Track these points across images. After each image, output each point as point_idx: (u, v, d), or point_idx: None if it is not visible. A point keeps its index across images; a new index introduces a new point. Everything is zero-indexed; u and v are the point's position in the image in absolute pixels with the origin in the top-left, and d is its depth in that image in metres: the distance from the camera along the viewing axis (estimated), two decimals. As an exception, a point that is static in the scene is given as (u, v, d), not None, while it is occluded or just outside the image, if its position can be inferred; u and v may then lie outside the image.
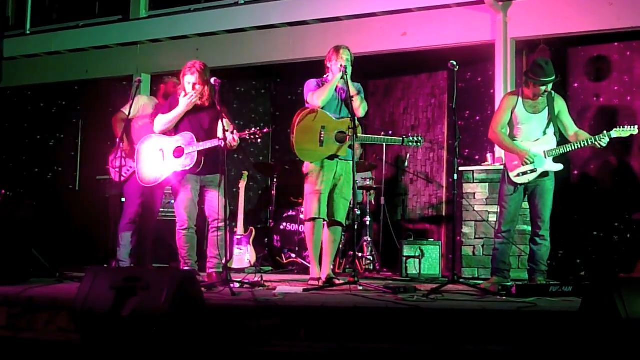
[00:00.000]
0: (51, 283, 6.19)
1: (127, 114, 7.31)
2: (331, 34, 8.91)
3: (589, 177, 8.30)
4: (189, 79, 6.50)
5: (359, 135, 6.40)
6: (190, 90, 6.47)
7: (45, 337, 4.80)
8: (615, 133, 6.28)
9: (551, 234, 6.48)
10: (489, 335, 4.53)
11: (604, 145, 6.26)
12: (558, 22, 7.96)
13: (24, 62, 10.97)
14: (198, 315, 4.42)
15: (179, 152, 6.46)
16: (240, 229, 8.67)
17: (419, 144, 6.61)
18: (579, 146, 6.34)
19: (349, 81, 6.41)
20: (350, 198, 6.62)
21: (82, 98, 11.21)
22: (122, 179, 7.28)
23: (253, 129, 6.36)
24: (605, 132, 6.29)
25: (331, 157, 6.48)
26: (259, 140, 6.42)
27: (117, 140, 6.99)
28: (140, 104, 7.53)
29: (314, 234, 6.53)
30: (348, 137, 6.36)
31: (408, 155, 9.75)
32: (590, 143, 6.29)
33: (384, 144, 8.77)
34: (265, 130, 6.39)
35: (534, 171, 6.36)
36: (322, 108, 6.47)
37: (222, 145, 6.09)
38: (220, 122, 6.17)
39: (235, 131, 6.31)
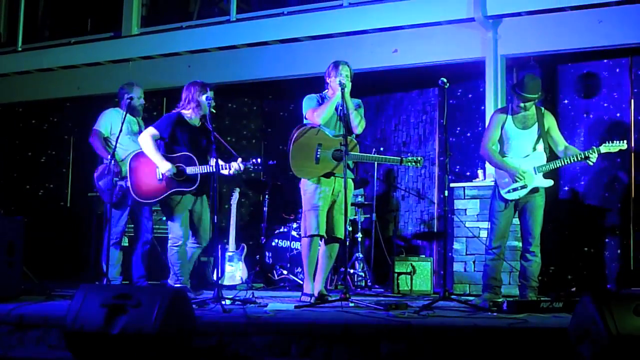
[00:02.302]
0: (42, 300, 6.17)
1: (104, 132, 7.31)
2: (323, 51, 8.94)
3: (579, 193, 8.33)
4: (209, 95, 6.64)
5: (356, 153, 6.43)
6: (209, 109, 6.52)
7: (36, 355, 4.79)
8: (604, 148, 6.32)
9: (542, 250, 6.50)
10: (480, 351, 4.53)
11: (593, 160, 6.30)
12: (548, 40, 8.02)
13: (16, 78, 10.97)
14: (189, 332, 4.41)
15: (179, 174, 6.54)
16: (231, 245, 8.67)
17: (418, 164, 6.59)
18: (568, 162, 6.37)
19: (348, 97, 6.43)
20: (347, 213, 6.60)
21: (73, 115, 11.20)
22: (115, 199, 7.30)
23: (257, 159, 6.46)
24: (594, 147, 6.32)
25: (327, 175, 6.48)
26: (260, 168, 6.56)
27: (109, 157, 6.97)
28: (108, 121, 7.45)
29: (310, 250, 6.51)
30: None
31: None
32: (579, 158, 6.32)
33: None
34: (270, 163, 6.52)
35: (525, 187, 6.38)
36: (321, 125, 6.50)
37: (228, 172, 6.47)
38: (218, 146, 6.31)
39: (240, 161, 6.46)
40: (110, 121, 7.44)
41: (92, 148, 7.53)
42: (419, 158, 6.59)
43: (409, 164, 6.58)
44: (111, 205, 7.06)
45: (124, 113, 7.11)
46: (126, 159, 7.26)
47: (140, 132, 7.34)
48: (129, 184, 6.78)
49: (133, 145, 7.30)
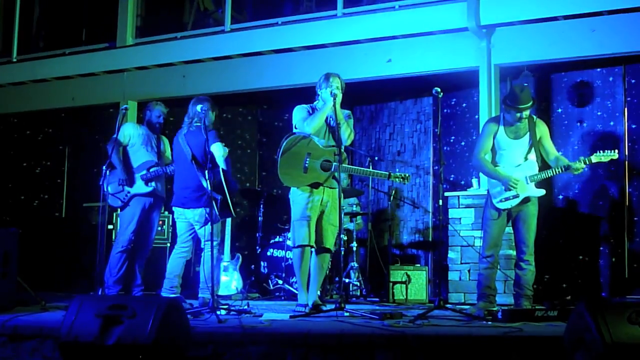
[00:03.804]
0: (37, 311, 6.16)
1: (119, 138, 7.40)
2: (317, 61, 8.96)
3: (574, 202, 8.35)
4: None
5: (344, 165, 6.42)
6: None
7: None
8: (595, 158, 6.33)
9: (537, 258, 6.50)
10: (474, 360, 4.54)
11: (579, 170, 6.31)
12: (541, 49, 8.04)
13: (10, 89, 10.97)
14: (184, 343, 4.41)
15: None
16: (226, 255, 8.66)
17: (405, 181, 6.61)
18: (558, 171, 6.38)
19: (338, 108, 6.43)
20: (337, 224, 6.61)
21: (68, 125, 11.20)
22: (121, 204, 7.43)
23: None
24: (581, 157, 6.35)
25: (316, 185, 6.49)
26: None
27: (105, 165, 7.05)
28: (128, 133, 7.60)
29: (302, 260, 6.51)
30: (334, 166, 6.39)
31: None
32: (563, 170, 6.33)
33: (370, 168, 8.77)
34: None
35: (517, 197, 6.39)
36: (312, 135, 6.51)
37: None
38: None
39: None
40: (129, 134, 7.67)
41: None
42: (406, 175, 6.61)
43: (397, 180, 6.59)
44: (104, 211, 7.14)
45: (118, 125, 7.22)
46: (139, 168, 7.60)
47: (158, 146, 7.75)
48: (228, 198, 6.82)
49: (149, 156, 7.68)
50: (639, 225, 8.02)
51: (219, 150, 6.68)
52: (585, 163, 6.32)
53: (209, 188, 6.48)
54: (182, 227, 6.97)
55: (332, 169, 6.41)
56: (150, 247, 7.83)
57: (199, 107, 6.75)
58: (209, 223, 6.75)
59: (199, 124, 6.80)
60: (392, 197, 9.56)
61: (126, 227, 7.57)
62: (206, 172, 6.52)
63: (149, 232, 7.72)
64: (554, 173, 6.42)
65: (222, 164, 6.62)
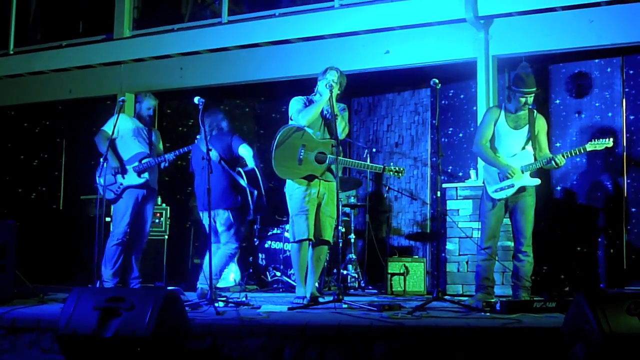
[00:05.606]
0: (35, 304, 6.15)
1: (109, 132, 7.35)
2: (314, 52, 8.96)
3: (572, 193, 8.35)
4: None
5: (340, 158, 6.39)
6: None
7: (29, 359, 4.78)
8: (590, 146, 6.34)
9: (535, 250, 6.50)
10: (473, 352, 4.54)
11: (559, 164, 6.31)
12: (539, 40, 8.04)
13: (8, 82, 10.94)
14: (182, 335, 4.41)
15: None
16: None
17: (399, 174, 6.60)
18: (544, 162, 6.37)
19: (333, 101, 6.40)
20: (335, 216, 6.61)
21: (65, 118, 11.19)
22: (114, 196, 7.41)
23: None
24: (563, 152, 6.38)
25: (311, 178, 6.48)
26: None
27: (102, 157, 7.04)
28: (117, 125, 7.52)
29: (300, 255, 6.49)
30: (328, 158, 6.37)
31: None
32: (549, 161, 6.33)
33: (367, 161, 8.75)
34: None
35: (512, 186, 6.39)
36: (306, 127, 6.49)
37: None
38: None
39: None
40: (119, 126, 7.52)
41: (95, 146, 7.66)
42: (401, 168, 6.60)
43: (391, 173, 6.59)
44: (101, 203, 7.13)
45: (116, 116, 7.20)
46: (130, 160, 7.57)
47: (149, 138, 7.73)
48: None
49: (140, 148, 7.64)
50: (637, 217, 8.03)
51: (247, 152, 6.77)
52: (585, 151, 6.36)
53: (245, 183, 6.59)
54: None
55: (327, 162, 6.40)
56: (145, 239, 7.81)
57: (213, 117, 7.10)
58: (232, 227, 6.78)
59: (215, 132, 7.01)
60: (381, 182, 9.56)
61: (120, 219, 7.54)
62: (239, 169, 6.65)
63: (143, 224, 7.70)
64: (541, 164, 6.40)
65: (251, 164, 6.67)
